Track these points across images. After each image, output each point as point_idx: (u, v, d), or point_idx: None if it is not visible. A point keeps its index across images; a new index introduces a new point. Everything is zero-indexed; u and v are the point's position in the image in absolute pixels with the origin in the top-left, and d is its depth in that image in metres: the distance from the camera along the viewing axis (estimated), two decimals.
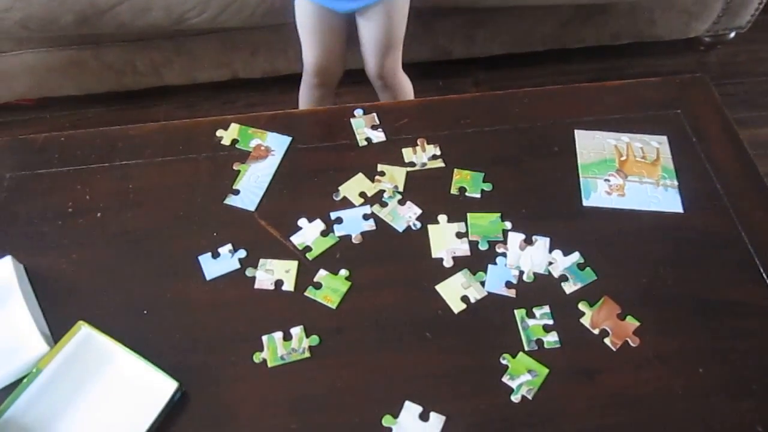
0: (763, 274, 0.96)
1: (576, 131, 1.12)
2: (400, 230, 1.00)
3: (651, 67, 2.15)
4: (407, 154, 1.08)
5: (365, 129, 1.11)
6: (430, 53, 1.92)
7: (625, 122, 1.13)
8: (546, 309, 0.92)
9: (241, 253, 0.97)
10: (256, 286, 0.94)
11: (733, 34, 2.10)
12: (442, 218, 1.01)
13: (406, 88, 1.65)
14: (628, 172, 1.07)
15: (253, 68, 1.85)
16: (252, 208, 1.02)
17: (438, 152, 1.08)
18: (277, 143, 1.09)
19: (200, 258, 0.96)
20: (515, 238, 0.99)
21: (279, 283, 0.94)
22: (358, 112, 1.13)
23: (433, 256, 0.97)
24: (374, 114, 1.13)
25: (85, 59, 1.77)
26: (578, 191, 1.04)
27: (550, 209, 1.03)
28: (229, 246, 0.97)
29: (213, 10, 1.55)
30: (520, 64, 2.11)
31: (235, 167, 1.06)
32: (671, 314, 0.93)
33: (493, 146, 1.10)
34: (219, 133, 1.10)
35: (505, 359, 0.88)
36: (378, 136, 1.10)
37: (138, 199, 1.03)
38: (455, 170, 1.06)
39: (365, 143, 1.09)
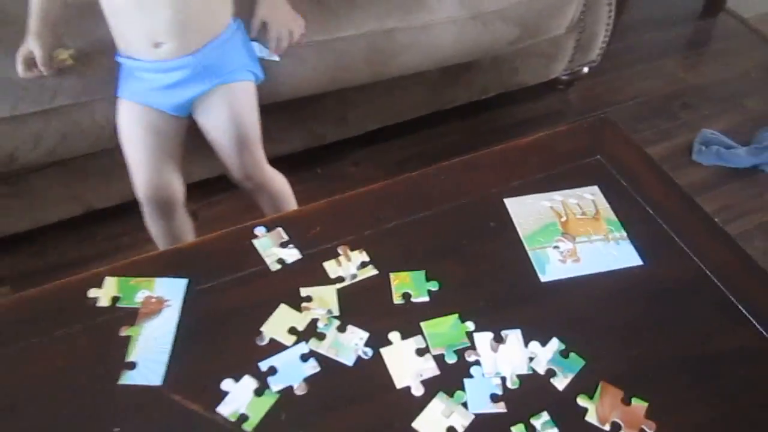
0: (747, 314, 0.88)
1: (506, 200, 1.00)
2: (350, 363, 0.81)
3: (521, 113, 2.15)
4: (331, 268, 0.91)
5: (274, 249, 0.93)
6: (303, 141, 1.77)
7: (551, 180, 1.04)
8: (545, 416, 0.77)
9: None
10: None
11: (586, 69, 2.16)
12: (395, 336, 0.84)
13: (279, 183, 1.49)
14: (574, 233, 0.97)
15: (109, 195, 1.60)
16: (158, 381, 0.79)
17: (366, 258, 0.92)
18: (171, 290, 0.88)
19: None
20: (484, 340, 0.84)
21: None
22: (260, 230, 0.95)
23: (398, 386, 0.80)
24: (279, 229, 0.95)
25: None
26: (531, 267, 0.92)
27: (510, 295, 0.89)
28: None
29: (48, 142, 1.32)
30: (395, 135, 2.03)
31: (122, 333, 0.84)
32: (677, 382, 0.82)
33: (425, 237, 0.96)
34: (92, 293, 0.87)
35: None
36: (292, 255, 0.92)
37: (4, 405, 0.78)
38: (392, 275, 0.90)
39: (278, 266, 0.91)
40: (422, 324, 0.85)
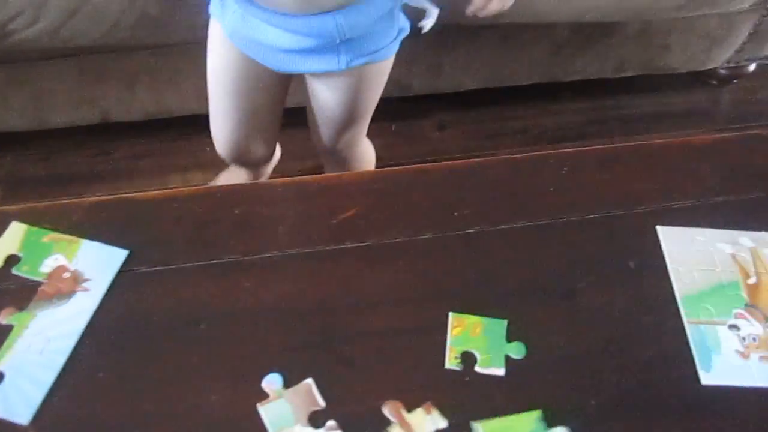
0: None
1: (659, 228, 0.62)
2: None
3: (657, 105, 1.71)
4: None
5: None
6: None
7: (736, 209, 0.65)
8: None
9: None
10: None
11: (753, 66, 1.69)
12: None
13: (367, 159, 1.15)
14: (766, 309, 0.58)
15: (131, 108, 1.30)
16: (23, 419, 0.47)
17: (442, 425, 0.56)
18: (100, 263, 0.55)
19: None
20: None
21: None
22: (271, 384, 0.50)
23: None
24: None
25: None
26: (689, 354, 0.54)
27: (642, 395, 0.52)
28: None
29: (51, 18, 1.01)
30: (493, 102, 1.64)
31: (3, 319, 0.52)
32: None
33: (519, 262, 0.59)
34: None
35: None
36: None
37: None
38: (452, 316, 0.54)
39: None
40: (476, 425, 0.49)
